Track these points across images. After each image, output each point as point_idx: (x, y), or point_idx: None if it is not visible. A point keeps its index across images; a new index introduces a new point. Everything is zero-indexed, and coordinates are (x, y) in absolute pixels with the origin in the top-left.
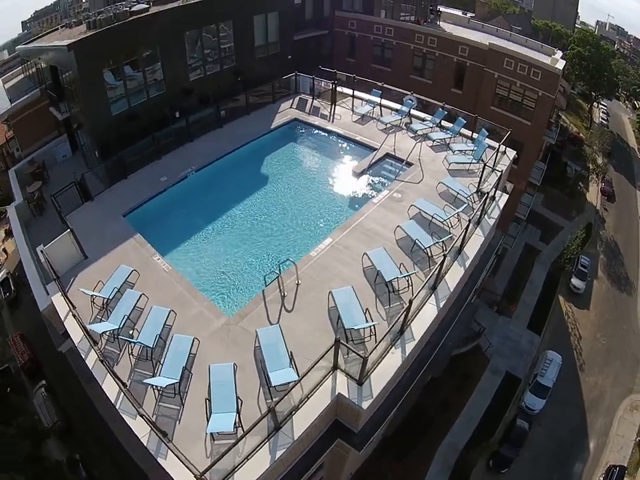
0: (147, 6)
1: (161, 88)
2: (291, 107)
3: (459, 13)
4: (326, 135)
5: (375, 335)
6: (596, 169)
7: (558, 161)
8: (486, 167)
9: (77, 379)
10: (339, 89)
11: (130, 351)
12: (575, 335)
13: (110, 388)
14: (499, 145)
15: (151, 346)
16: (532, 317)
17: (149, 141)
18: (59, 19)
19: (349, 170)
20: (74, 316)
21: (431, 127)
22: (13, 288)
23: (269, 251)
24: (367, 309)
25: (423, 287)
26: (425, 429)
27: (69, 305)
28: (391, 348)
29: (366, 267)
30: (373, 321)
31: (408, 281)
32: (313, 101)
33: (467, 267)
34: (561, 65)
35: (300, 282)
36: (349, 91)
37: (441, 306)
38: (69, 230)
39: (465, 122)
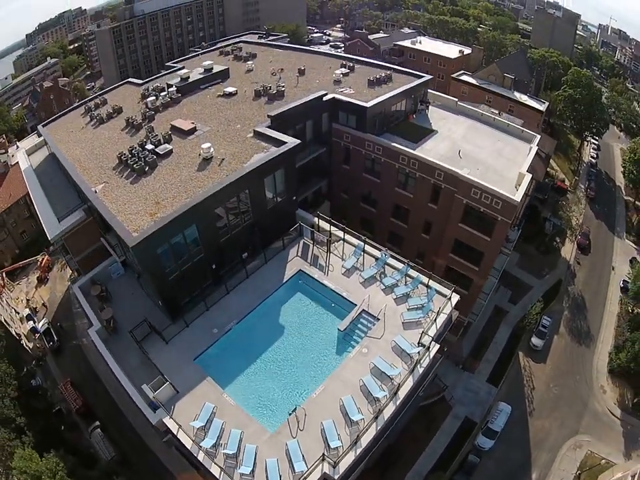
0: (170, 147)
1: (200, 252)
2: (297, 255)
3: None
4: (322, 286)
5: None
6: (572, 229)
7: (537, 217)
8: (433, 317)
9: (126, 418)
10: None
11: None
12: (529, 386)
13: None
14: (445, 304)
15: (235, 452)
16: (492, 371)
17: (198, 295)
18: (64, 33)
19: (336, 326)
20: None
21: (398, 280)
22: (55, 337)
23: (288, 387)
24: (339, 434)
25: (370, 422)
26: (396, 460)
27: (177, 424)
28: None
29: (341, 406)
30: (342, 442)
31: (363, 420)
32: (313, 248)
33: (398, 405)
34: (527, 179)
35: (306, 413)
36: (341, 233)
37: (379, 428)
38: (168, 382)
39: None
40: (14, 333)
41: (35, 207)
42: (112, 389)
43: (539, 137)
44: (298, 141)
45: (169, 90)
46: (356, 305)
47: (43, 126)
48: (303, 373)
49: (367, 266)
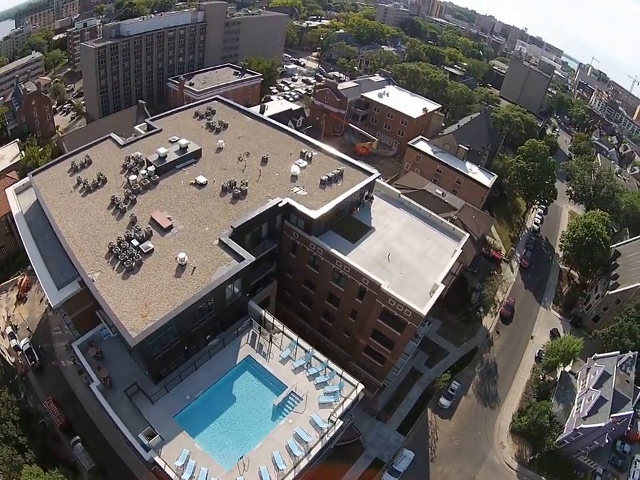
0: (152, 246)
1: (177, 339)
2: (247, 342)
3: (391, 187)
4: (264, 369)
5: None
6: (493, 303)
7: (465, 288)
8: (341, 401)
9: (102, 434)
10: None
11: None
12: (433, 437)
13: None
14: (352, 391)
15: None
16: (402, 423)
17: (174, 366)
18: (52, 18)
19: (272, 401)
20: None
21: (319, 371)
22: (37, 356)
23: (238, 440)
24: (270, 476)
25: (290, 469)
26: None
27: (164, 461)
28: None
29: (272, 458)
30: None
31: (285, 468)
32: (259, 338)
33: (309, 460)
34: (440, 289)
35: (249, 460)
36: (280, 325)
37: (296, 474)
38: (158, 435)
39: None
40: None
41: (34, 269)
42: (89, 408)
43: (467, 236)
44: (253, 258)
45: (148, 169)
46: (287, 386)
47: (33, 174)
48: (248, 431)
49: (298, 356)
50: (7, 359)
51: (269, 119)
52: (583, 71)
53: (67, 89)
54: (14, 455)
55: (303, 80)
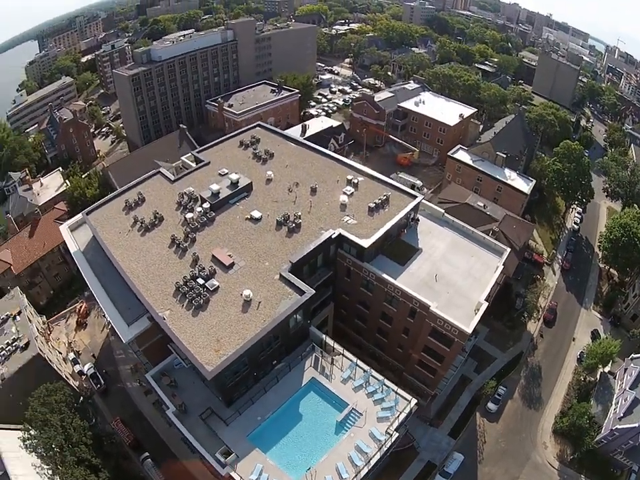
0: (217, 283)
1: (247, 367)
2: (310, 366)
3: (435, 206)
4: (327, 390)
5: None
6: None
7: (509, 294)
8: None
9: (169, 449)
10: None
11: None
12: (481, 440)
13: None
14: (406, 405)
15: None
16: (453, 427)
17: (244, 391)
18: (76, 39)
19: (335, 418)
20: None
21: (377, 388)
22: (102, 380)
23: (305, 454)
24: None
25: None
26: None
27: (240, 476)
28: None
29: (336, 468)
30: None
31: (348, 477)
32: (321, 361)
33: (370, 468)
34: (484, 307)
35: (316, 471)
36: (340, 348)
37: None
38: (234, 453)
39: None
40: (63, 375)
41: (102, 307)
42: (156, 425)
43: (508, 250)
44: (313, 292)
45: (203, 206)
46: (348, 404)
47: (87, 213)
48: (314, 445)
49: (357, 376)
50: (72, 384)
51: (313, 145)
52: (610, 54)
53: (103, 111)
54: (87, 475)
55: (339, 90)
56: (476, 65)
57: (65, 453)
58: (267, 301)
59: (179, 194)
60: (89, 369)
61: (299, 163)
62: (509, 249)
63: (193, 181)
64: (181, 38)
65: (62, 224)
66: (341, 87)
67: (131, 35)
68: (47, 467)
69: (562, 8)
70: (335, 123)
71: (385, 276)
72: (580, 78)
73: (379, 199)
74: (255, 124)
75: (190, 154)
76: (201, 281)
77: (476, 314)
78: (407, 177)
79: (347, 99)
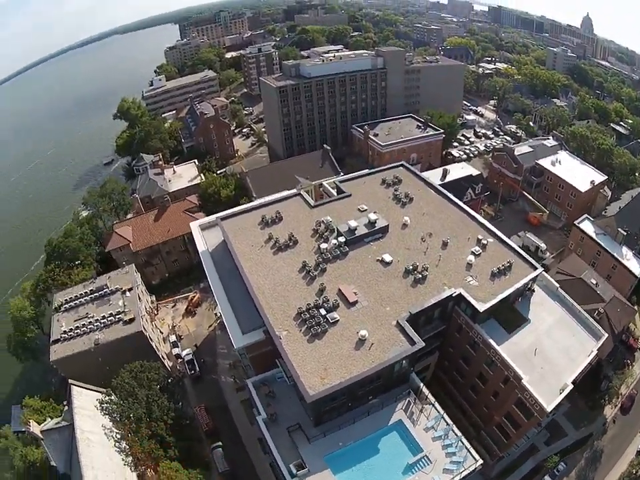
0: (337, 317)
1: (344, 397)
2: (401, 409)
3: (551, 279)
4: (410, 434)
5: None
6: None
7: (598, 374)
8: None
9: (243, 444)
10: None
11: None
12: None
13: None
14: (473, 464)
15: None
16: None
17: (335, 417)
18: (221, 33)
19: (407, 460)
20: None
21: (452, 443)
22: (197, 367)
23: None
24: None
25: None
26: None
27: None
28: None
29: None
30: None
31: None
32: (412, 407)
33: None
34: (569, 388)
35: None
36: (432, 399)
37: None
38: (307, 469)
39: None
40: (160, 354)
41: (222, 315)
42: (237, 420)
43: (605, 336)
44: (423, 344)
45: (339, 239)
46: (424, 450)
47: (222, 219)
48: (380, 478)
49: (439, 427)
50: (166, 364)
51: (451, 196)
52: None
53: (245, 111)
54: (156, 449)
55: (482, 134)
56: (611, 125)
57: (141, 424)
58: (380, 344)
59: (316, 221)
60: (187, 354)
61: (435, 212)
62: (606, 335)
63: (331, 211)
64: (331, 57)
65: (191, 216)
66: (483, 131)
67: (278, 39)
68: (117, 431)
69: None
70: (475, 172)
71: (490, 341)
72: None
73: (503, 265)
74: (399, 163)
75: (333, 181)
76: (323, 311)
77: (560, 394)
78: (533, 238)
79: (488, 145)
